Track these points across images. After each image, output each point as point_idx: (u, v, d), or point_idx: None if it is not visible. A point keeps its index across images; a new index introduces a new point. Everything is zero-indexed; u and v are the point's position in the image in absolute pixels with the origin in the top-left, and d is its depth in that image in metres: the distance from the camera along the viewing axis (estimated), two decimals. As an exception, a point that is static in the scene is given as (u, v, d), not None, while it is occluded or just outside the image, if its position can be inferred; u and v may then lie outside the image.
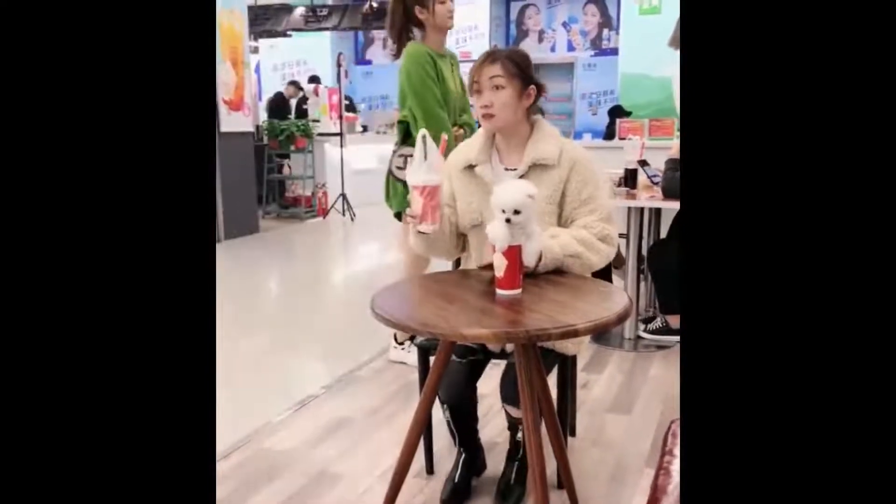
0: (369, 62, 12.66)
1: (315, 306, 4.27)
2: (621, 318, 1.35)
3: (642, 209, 3.23)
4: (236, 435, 2.32)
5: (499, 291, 1.46)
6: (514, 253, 1.44)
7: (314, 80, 9.16)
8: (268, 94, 11.50)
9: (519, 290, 1.46)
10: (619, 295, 1.50)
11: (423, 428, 1.57)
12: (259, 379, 2.95)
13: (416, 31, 2.75)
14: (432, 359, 1.61)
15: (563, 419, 1.97)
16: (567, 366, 1.96)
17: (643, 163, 3.31)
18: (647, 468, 2.08)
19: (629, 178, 3.21)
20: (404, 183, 2.25)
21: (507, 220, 1.46)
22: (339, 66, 7.30)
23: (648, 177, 3.27)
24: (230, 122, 5.76)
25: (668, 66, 8.76)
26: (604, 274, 3.59)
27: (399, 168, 2.68)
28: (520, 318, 1.32)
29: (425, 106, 2.65)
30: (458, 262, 2.03)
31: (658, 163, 3.50)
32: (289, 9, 9.26)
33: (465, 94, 2.85)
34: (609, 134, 6.95)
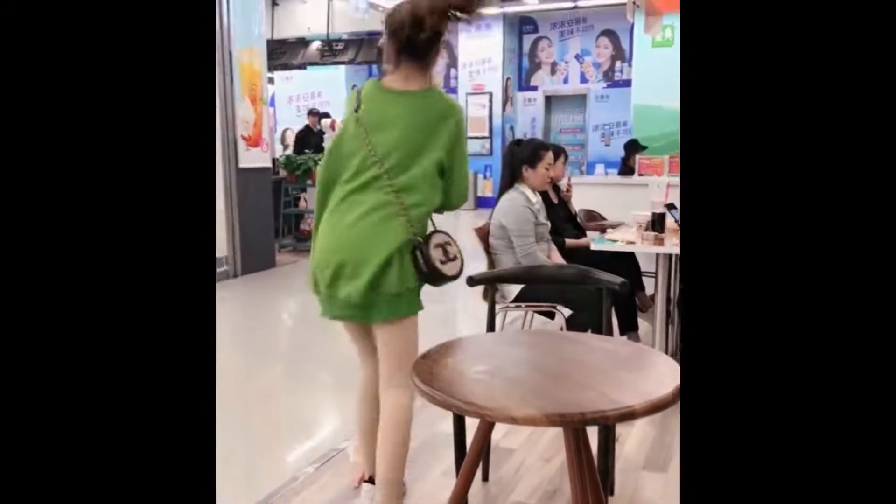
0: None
1: (332, 345, 4.20)
2: (677, 395, 1.29)
3: (671, 255, 3.17)
4: (258, 493, 2.26)
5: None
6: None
7: (325, 115, 9.23)
8: (282, 126, 11.62)
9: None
10: (663, 362, 1.44)
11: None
12: (279, 425, 2.89)
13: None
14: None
15: (605, 480, 1.90)
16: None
17: (671, 206, 3.26)
18: (688, 534, 2.00)
19: (657, 223, 3.16)
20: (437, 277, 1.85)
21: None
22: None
23: (676, 220, 3.22)
24: (248, 157, 5.76)
25: (681, 98, 8.78)
26: (628, 318, 3.53)
27: (442, 262, 1.87)
28: (571, 397, 1.26)
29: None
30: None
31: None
32: (305, 43, 9.34)
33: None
34: (627, 169, 6.92)
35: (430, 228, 1.90)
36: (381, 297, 1.81)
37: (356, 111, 1.86)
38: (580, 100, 11.92)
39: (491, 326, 2.12)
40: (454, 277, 1.88)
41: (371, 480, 2.08)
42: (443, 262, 1.84)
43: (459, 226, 9.96)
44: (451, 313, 5.12)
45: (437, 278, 1.85)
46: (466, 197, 1.99)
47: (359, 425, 2.10)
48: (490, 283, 2.13)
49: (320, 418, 3.11)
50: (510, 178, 3.18)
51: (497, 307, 3.10)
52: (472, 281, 2.06)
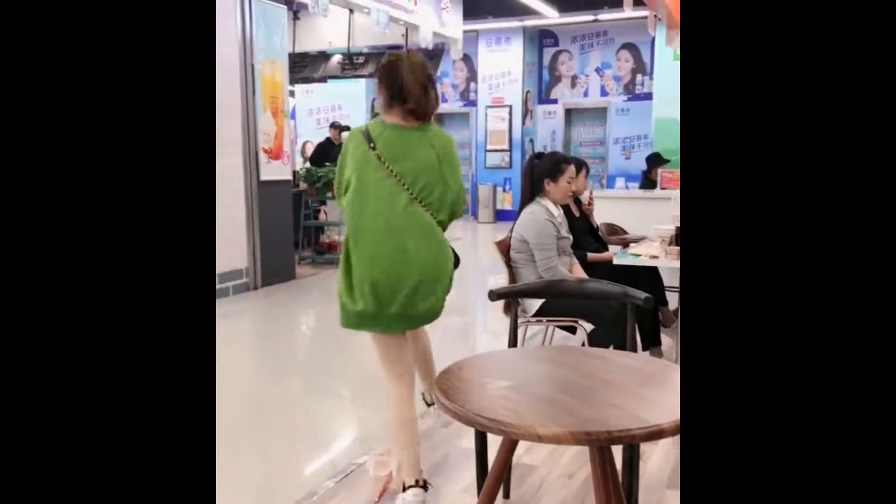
0: (403, 107, 12.81)
1: (351, 358, 4.19)
2: (705, 414, 1.26)
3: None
4: (279, 506, 2.24)
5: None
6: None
7: (346, 128, 9.32)
8: (302, 139, 11.70)
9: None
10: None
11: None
12: (297, 438, 2.88)
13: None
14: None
15: (629, 498, 1.86)
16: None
17: (694, 220, 3.22)
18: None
19: (680, 237, 3.12)
20: None
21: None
22: (373, 111, 7.36)
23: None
24: (270, 170, 5.80)
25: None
26: (651, 333, 3.48)
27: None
28: (597, 415, 1.23)
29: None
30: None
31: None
32: (326, 56, 9.41)
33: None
34: (649, 183, 6.86)
35: None
36: (440, 299, 2.17)
37: (373, 149, 2.10)
38: (600, 113, 11.88)
39: (513, 341, 2.09)
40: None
41: (418, 484, 2.13)
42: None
43: (478, 239, 9.96)
44: (468, 327, 5.09)
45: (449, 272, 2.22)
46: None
47: (401, 428, 2.19)
48: (513, 298, 2.10)
49: (339, 432, 3.09)
50: (531, 191, 3.16)
51: (518, 321, 3.07)
52: (493, 295, 2.04)
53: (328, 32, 9.10)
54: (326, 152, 8.60)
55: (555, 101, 12.10)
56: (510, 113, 11.65)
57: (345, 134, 8.84)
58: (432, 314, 2.15)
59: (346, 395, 3.54)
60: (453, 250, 2.23)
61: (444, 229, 2.18)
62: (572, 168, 3.16)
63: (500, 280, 7.08)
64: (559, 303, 2.95)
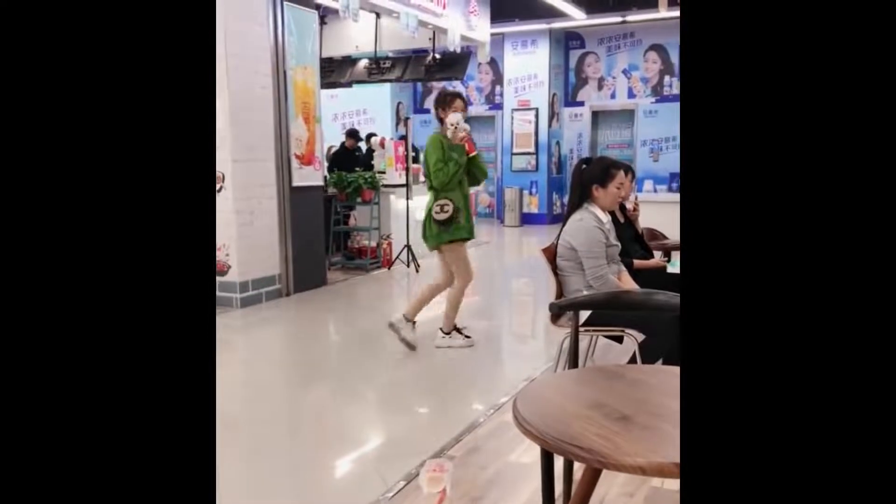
0: (428, 111, 12.77)
1: (387, 365, 4.11)
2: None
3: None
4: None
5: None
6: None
7: (373, 134, 9.35)
8: (328, 143, 11.69)
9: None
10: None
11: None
12: (338, 453, 2.81)
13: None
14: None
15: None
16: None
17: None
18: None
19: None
20: (440, 223, 3.89)
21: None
22: (402, 117, 7.31)
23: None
24: (301, 176, 5.77)
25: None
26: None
27: (437, 213, 3.93)
28: (699, 443, 1.15)
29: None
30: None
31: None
32: (352, 61, 9.39)
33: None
34: (685, 186, 6.73)
35: (443, 199, 3.93)
36: (428, 238, 4.00)
37: None
38: (628, 115, 11.75)
39: (574, 360, 2.00)
40: (441, 221, 3.87)
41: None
42: (437, 213, 3.88)
43: (504, 242, 9.87)
44: (493, 329, 5.00)
45: (432, 222, 3.92)
46: (441, 182, 3.86)
47: (425, 291, 4.21)
48: (575, 310, 2.01)
49: (385, 446, 3.02)
50: (579, 197, 3.08)
51: (565, 331, 2.99)
52: (555, 307, 1.96)
53: (355, 37, 9.07)
54: (341, 160, 8.57)
55: (581, 104, 11.99)
56: (536, 116, 11.56)
57: (374, 139, 8.83)
58: (429, 243, 4.01)
59: (389, 406, 3.47)
60: (437, 220, 3.87)
61: (441, 189, 3.88)
62: (622, 173, 3.08)
63: (524, 283, 6.93)
64: (606, 311, 2.86)
